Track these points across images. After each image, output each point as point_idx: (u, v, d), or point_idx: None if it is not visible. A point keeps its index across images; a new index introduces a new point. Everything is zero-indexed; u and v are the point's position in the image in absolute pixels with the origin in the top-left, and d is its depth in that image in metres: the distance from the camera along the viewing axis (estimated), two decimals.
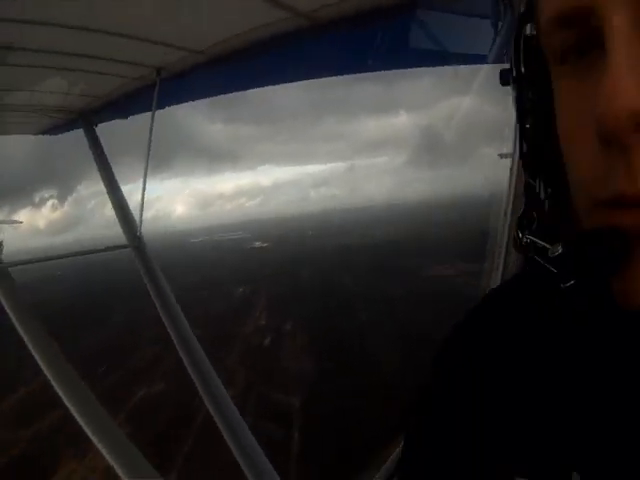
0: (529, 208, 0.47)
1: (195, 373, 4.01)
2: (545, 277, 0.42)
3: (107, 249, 4.43)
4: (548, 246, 0.42)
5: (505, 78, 0.48)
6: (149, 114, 3.85)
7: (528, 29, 0.44)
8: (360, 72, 2.97)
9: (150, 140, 3.86)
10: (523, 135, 0.47)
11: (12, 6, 2.01)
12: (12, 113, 4.03)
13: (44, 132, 4.94)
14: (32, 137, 4.82)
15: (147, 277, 4.17)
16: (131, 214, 4.36)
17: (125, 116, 4.62)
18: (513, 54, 0.46)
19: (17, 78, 3.12)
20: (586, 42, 0.36)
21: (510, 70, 0.47)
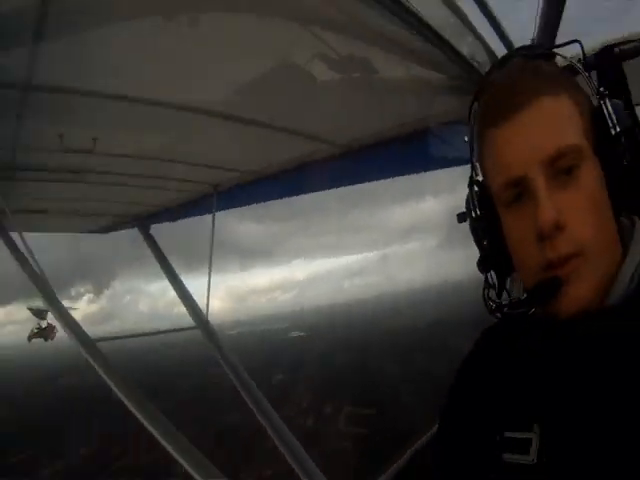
0: (485, 288, 0.76)
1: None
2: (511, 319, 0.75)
3: (181, 329, 4.77)
4: (514, 298, 0.73)
5: (461, 218, 0.80)
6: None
7: (480, 189, 0.77)
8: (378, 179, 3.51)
9: (212, 241, 4.40)
10: (481, 248, 0.77)
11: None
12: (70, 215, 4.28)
13: (101, 231, 5.26)
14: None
15: (219, 354, 4.46)
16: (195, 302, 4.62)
17: (175, 220, 4.89)
18: (472, 204, 0.77)
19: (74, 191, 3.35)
20: (521, 194, 0.67)
21: (467, 212, 0.78)
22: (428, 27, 1.64)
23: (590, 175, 0.65)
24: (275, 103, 2.19)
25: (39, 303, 4.59)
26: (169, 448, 3.10)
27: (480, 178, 0.77)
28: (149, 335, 5.01)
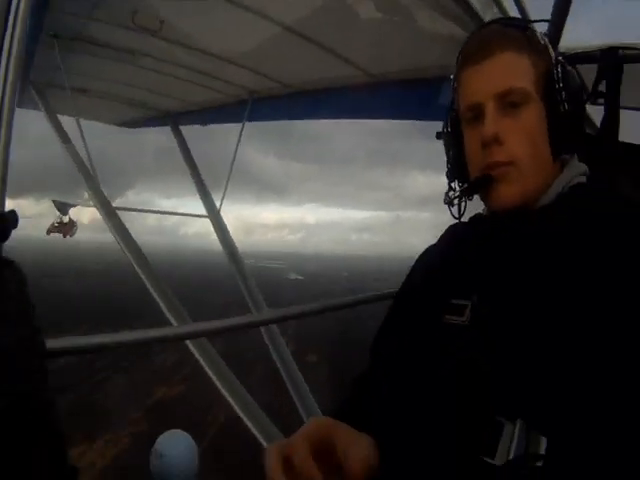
0: (447, 192, 0.99)
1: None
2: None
3: (192, 215, 5.28)
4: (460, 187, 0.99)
5: (437, 136, 1.04)
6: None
7: (452, 115, 0.99)
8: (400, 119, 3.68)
9: (236, 151, 4.62)
10: (448, 160, 1.01)
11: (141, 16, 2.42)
12: (105, 102, 4.45)
13: (131, 125, 5.45)
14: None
15: (223, 243, 4.88)
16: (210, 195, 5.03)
17: (205, 123, 5.06)
18: (446, 124, 1.01)
19: (121, 73, 3.56)
20: (477, 116, 0.88)
21: (443, 131, 1.02)
22: None
23: (532, 114, 0.87)
24: (321, 21, 2.37)
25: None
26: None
27: (455, 108, 0.99)
28: (164, 213, 5.26)
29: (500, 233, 0.88)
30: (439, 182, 1.10)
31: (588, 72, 1.60)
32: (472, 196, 0.98)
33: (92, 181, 4.13)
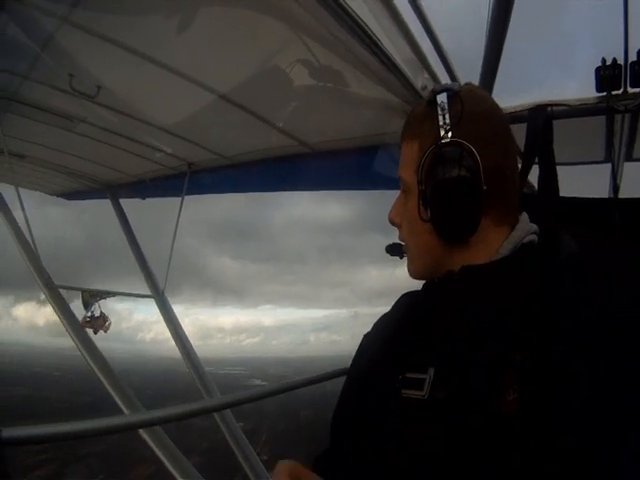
0: None
1: None
2: None
3: (137, 295, 5.08)
4: None
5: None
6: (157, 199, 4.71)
7: None
8: (344, 190, 3.95)
9: (176, 228, 4.53)
10: None
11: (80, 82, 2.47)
12: (43, 170, 4.39)
13: (70, 196, 5.35)
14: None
15: (169, 325, 4.78)
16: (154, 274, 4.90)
17: (144, 197, 5.03)
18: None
19: (58, 140, 3.54)
20: None
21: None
22: (387, 57, 2.02)
23: (412, 200, 0.92)
24: (261, 94, 2.50)
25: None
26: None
27: None
28: (109, 293, 5.14)
29: (440, 303, 0.91)
30: (392, 274, 1.16)
31: (518, 131, 1.72)
32: None
33: (33, 257, 3.99)
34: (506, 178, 0.90)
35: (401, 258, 1.04)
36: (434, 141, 0.87)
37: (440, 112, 0.88)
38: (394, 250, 1.10)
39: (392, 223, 1.00)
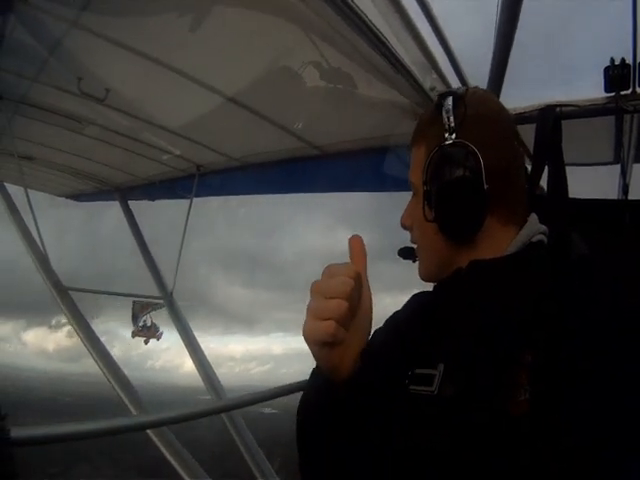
0: None
1: None
2: None
3: (148, 297, 5.07)
4: None
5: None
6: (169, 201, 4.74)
7: None
8: (354, 191, 3.88)
9: (185, 229, 4.45)
10: None
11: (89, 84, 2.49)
12: (51, 171, 4.44)
13: (79, 198, 5.40)
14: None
15: (178, 326, 4.78)
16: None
17: (154, 198, 5.06)
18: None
19: (67, 142, 3.57)
20: None
21: None
22: (396, 58, 2.02)
23: (418, 202, 0.94)
24: (270, 96, 2.51)
25: None
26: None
27: None
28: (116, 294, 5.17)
29: (453, 296, 0.92)
30: (403, 301, 1.13)
31: (527, 132, 1.69)
32: None
33: (43, 259, 4.02)
34: (511, 178, 0.92)
35: (414, 262, 1.05)
36: (439, 143, 0.89)
37: (445, 115, 0.89)
38: (406, 253, 1.09)
39: (404, 227, 1.01)
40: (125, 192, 4.94)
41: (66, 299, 4.16)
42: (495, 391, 0.71)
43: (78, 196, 5.39)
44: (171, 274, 4.83)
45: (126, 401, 4.02)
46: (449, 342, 0.82)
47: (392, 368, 0.89)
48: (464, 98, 0.91)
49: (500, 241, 0.90)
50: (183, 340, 4.76)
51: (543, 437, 0.65)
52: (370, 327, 0.85)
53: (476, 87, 1.04)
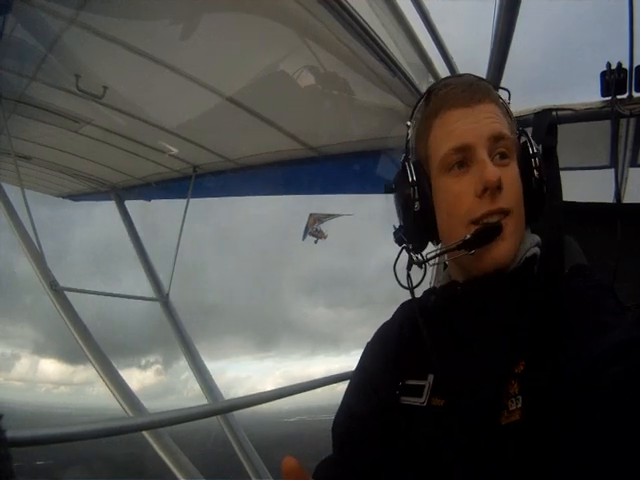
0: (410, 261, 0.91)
1: None
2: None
3: (141, 298, 5.15)
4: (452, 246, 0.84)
5: (387, 189, 0.93)
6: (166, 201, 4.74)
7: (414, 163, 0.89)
8: (349, 194, 3.93)
9: (181, 230, 4.45)
10: (409, 216, 0.88)
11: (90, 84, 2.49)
12: (48, 171, 4.40)
13: (75, 197, 5.37)
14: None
15: (175, 329, 4.80)
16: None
17: (150, 199, 5.04)
18: (408, 173, 0.87)
19: (64, 141, 3.54)
20: (463, 161, 0.82)
21: (398, 184, 0.90)
22: (393, 61, 2.03)
23: (514, 169, 0.84)
24: (268, 97, 2.52)
25: None
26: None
27: (413, 159, 0.91)
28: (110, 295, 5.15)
29: (445, 310, 0.89)
30: None
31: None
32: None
33: (38, 259, 3.99)
34: None
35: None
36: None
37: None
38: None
39: (498, 185, 0.84)
40: (121, 192, 4.93)
41: (61, 299, 4.11)
42: (485, 401, 0.72)
43: (75, 196, 5.36)
44: (174, 275, 4.84)
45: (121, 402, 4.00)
46: (439, 353, 0.82)
47: (383, 381, 0.90)
48: None
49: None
50: (178, 342, 4.75)
51: (534, 446, 0.66)
52: None
53: None
